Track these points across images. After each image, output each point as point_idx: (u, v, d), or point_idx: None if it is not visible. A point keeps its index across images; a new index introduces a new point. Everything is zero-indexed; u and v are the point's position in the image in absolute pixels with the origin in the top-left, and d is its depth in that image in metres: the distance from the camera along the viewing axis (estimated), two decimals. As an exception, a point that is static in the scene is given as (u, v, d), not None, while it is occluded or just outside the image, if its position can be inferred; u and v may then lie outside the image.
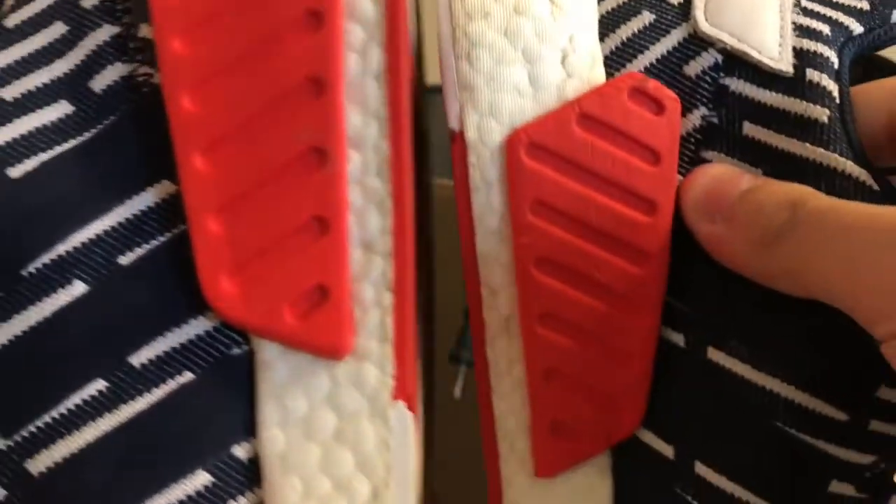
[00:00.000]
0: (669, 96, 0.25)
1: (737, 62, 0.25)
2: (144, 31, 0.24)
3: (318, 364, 0.23)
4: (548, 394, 0.24)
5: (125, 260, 0.23)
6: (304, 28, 0.23)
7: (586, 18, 0.25)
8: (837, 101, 0.24)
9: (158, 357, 0.22)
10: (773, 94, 0.25)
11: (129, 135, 0.23)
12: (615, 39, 0.26)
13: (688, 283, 0.24)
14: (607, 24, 0.26)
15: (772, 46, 0.25)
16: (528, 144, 0.24)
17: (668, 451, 0.24)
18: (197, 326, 0.23)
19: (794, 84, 0.24)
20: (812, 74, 0.24)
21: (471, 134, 0.24)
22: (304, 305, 0.22)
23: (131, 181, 0.23)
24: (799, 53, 0.25)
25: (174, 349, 0.22)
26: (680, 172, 0.25)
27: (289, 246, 0.22)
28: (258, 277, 0.22)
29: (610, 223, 0.24)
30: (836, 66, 0.25)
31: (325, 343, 0.22)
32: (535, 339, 0.24)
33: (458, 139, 0.25)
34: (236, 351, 0.23)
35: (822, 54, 0.25)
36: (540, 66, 0.24)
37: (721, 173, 0.24)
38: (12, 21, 0.24)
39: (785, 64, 0.25)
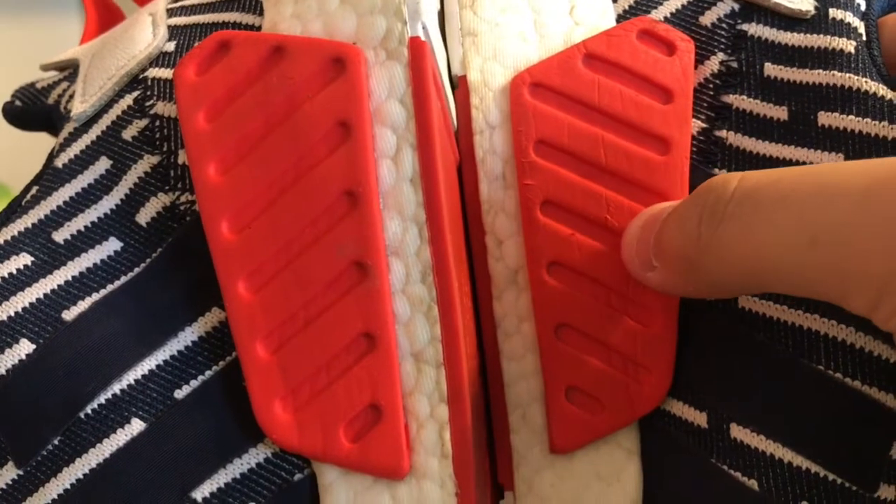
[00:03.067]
0: (681, 37, 0.24)
1: (754, 8, 0.25)
2: (183, 157, 0.24)
3: (379, 485, 0.22)
4: (561, 354, 0.23)
5: (181, 394, 0.23)
6: (334, 141, 0.22)
7: None
8: (864, 37, 0.23)
9: (221, 490, 0.22)
10: (795, 34, 0.24)
11: (176, 265, 0.23)
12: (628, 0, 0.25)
13: None
14: None
15: None
16: (532, 84, 0.24)
17: (700, 419, 0.22)
18: (256, 455, 0.22)
19: (817, 23, 0.24)
20: (835, 13, 0.24)
21: (473, 76, 0.24)
22: (358, 426, 0.22)
23: (181, 312, 0.23)
24: None
25: (236, 480, 0.22)
26: (698, 118, 0.24)
27: (338, 366, 0.22)
28: (310, 402, 0.22)
29: (621, 162, 0.23)
30: (862, 6, 0.24)
31: (383, 464, 0.22)
32: (544, 291, 0.23)
33: (461, 84, 0.24)
34: (298, 476, 0.22)
35: None
36: (546, 15, 0.24)
37: (644, 221, 0.22)
38: (62, 160, 0.25)
39: (805, 4, 0.24)
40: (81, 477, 0.22)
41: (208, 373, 0.23)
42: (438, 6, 0.25)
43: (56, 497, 0.22)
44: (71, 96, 0.27)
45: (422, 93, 0.22)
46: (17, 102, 0.29)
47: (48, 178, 0.25)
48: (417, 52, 0.22)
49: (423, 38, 0.22)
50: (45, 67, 0.30)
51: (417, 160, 0.22)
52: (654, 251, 0.21)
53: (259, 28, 0.25)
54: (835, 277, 0.18)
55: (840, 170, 0.18)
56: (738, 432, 0.22)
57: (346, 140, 0.22)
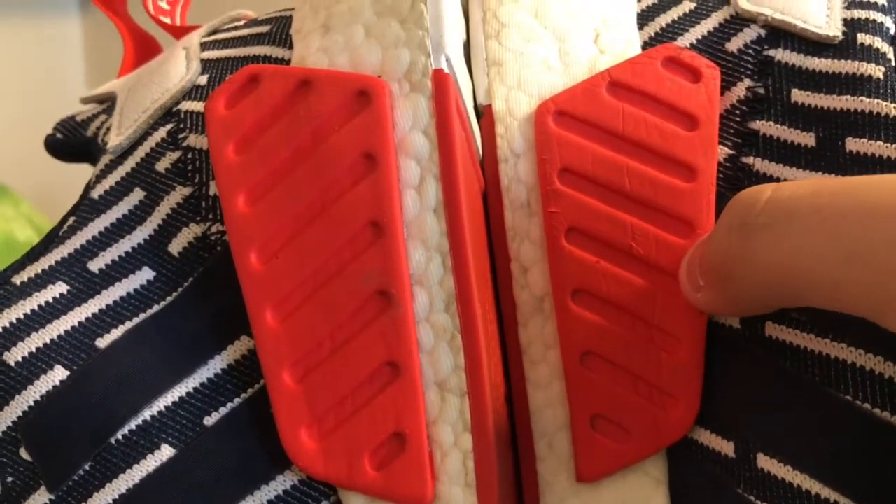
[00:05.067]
0: (706, 64, 0.24)
1: (781, 34, 0.25)
2: (214, 188, 0.25)
3: (404, 513, 0.22)
4: (587, 382, 0.23)
5: (210, 421, 0.23)
6: (359, 172, 0.22)
7: (624, 3, 0.26)
8: (893, 62, 0.23)
9: None
10: (822, 59, 0.24)
11: (206, 294, 0.24)
12: (654, 27, 0.26)
13: None
14: (646, 16, 0.26)
15: (818, 16, 0.25)
16: (556, 112, 0.24)
17: (728, 448, 0.22)
18: (283, 482, 0.23)
19: (845, 48, 0.24)
20: (864, 38, 0.24)
21: (499, 105, 0.24)
22: (382, 455, 0.22)
23: (211, 340, 0.24)
24: (849, 23, 0.24)
25: None
26: (725, 144, 0.24)
27: (363, 394, 0.22)
28: (336, 430, 0.22)
29: (646, 190, 0.23)
30: (892, 31, 0.24)
31: (407, 492, 0.22)
32: (569, 319, 0.23)
33: (486, 113, 0.24)
34: (324, 503, 0.23)
35: (875, 20, 0.24)
36: (570, 43, 0.25)
37: (697, 243, 0.22)
38: (97, 191, 0.26)
39: (833, 30, 0.24)
40: (111, 502, 0.22)
41: (237, 400, 0.23)
42: (464, 36, 0.25)
43: None
44: (108, 129, 0.28)
45: (445, 124, 0.22)
46: (59, 135, 0.30)
47: (85, 209, 0.26)
48: (441, 84, 0.23)
49: (446, 70, 0.23)
50: (85, 100, 0.31)
51: (441, 190, 0.22)
52: (699, 270, 0.21)
53: (288, 61, 0.26)
54: (871, 295, 0.17)
55: (880, 184, 0.18)
56: (765, 462, 0.22)
57: (371, 171, 0.22)
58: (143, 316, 0.24)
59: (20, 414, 0.23)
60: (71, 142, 0.30)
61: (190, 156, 0.25)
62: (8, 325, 0.24)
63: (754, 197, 0.19)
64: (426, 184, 0.23)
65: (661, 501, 0.23)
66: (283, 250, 0.23)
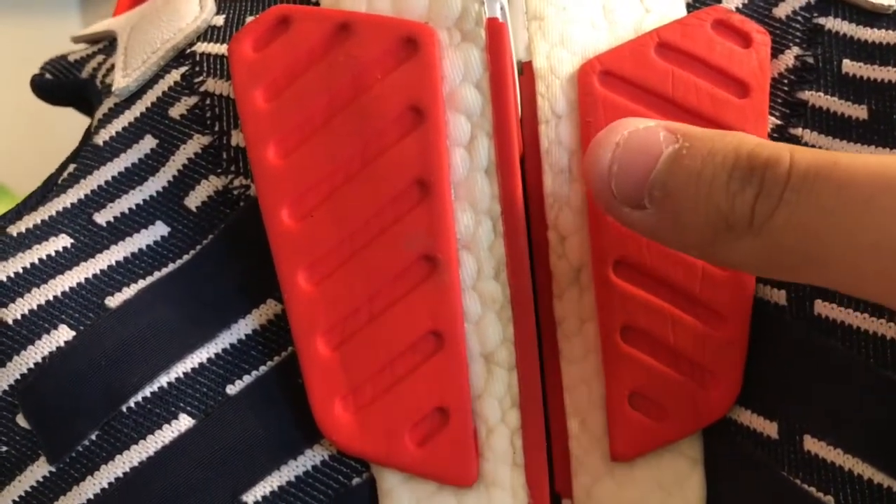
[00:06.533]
0: (757, 29, 0.23)
1: (831, 2, 0.24)
2: (237, 138, 0.23)
3: (444, 491, 0.21)
4: (625, 358, 0.22)
5: (233, 389, 0.21)
6: (405, 127, 0.21)
7: None
8: None
9: (274, 493, 0.21)
10: (875, 30, 0.23)
11: (229, 254, 0.22)
12: None
13: None
14: None
15: None
16: (602, 72, 0.22)
17: (771, 429, 0.21)
18: (313, 457, 0.21)
19: None
20: None
21: (540, 63, 0.23)
22: (423, 430, 0.21)
23: (234, 304, 0.22)
24: None
25: (290, 483, 0.21)
26: (773, 114, 0.23)
27: (403, 365, 0.21)
28: (374, 402, 0.21)
29: None
30: None
31: (449, 470, 0.20)
32: (608, 291, 0.22)
33: (526, 70, 0.23)
34: (357, 480, 0.21)
35: None
36: (615, 1, 0.23)
37: (629, 136, 0.19)
38: (102, 137, 0.24)
39: None
40: (121, 475, 0.21)
41: (263, 368, 0.21)
42: None
43: (92, 497, 0.21)
44: (109, 70, 0.26)
45: (501, 79, 0.21)
46: (48, 75, 0.28)
47: (87, 155, 0.23)
48: (496, 34, 0.21)
49: (501, 20, 0.21)
50: (77, 39, 0.28)
51: (494, 150, 0.21)
52: (652, 192, 0.19)
53: (317, 3, 0.24)
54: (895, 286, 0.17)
55: None
56: (812, 444, 0.21)
57: (417, 126, 0.21)
58: (157, 274, 0.22)
59: (18, 377, 0.21)
60: (62, 83, 0.27)
61: (208, 102, 0.23)
62: (5, 279, 0.22)
63: (776, 164, 0.18)
64: (477, 142, 0.21)
65: (697, 482, 0.22)
66: (318, 208, 0.21)
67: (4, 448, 0.21)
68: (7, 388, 0.21)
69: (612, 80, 0.23)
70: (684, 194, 0.18)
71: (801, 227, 0.17)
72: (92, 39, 0.28)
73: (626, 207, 0.19)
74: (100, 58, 0.27)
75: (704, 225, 0.18)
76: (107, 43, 0.27)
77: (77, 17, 0.74)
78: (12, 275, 0.22)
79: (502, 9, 0.21)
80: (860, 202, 0.16)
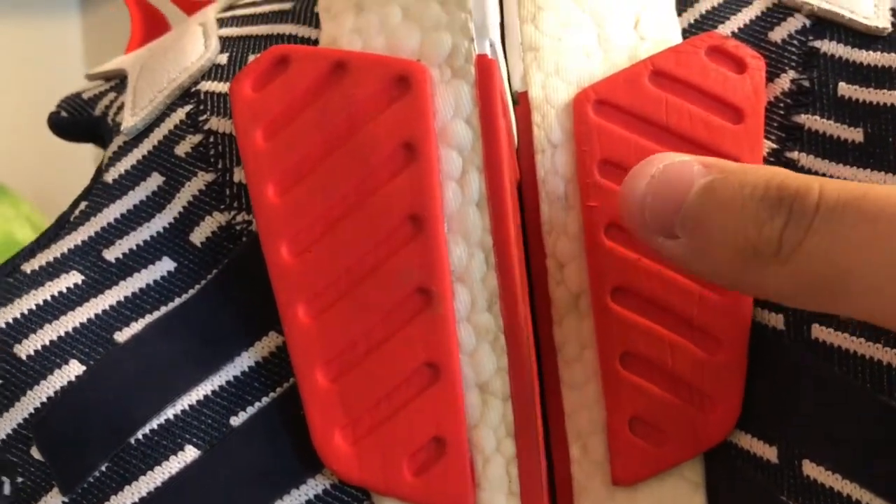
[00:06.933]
0: (751, 54, 0.23)
1: (826, 25, 0.24)
2: (239, 175, 0.23)
3: (442, 520, 0.21)
4: (625, 384, 0.22)
5: (237, 421, 0.22)
6: (398, 163, 0.21)
7: None
8: None
9: None
10: (871, 53, 0.23)
11: (232, 287, 0.23)
12: (694, 13, 0.25)
13: None
14: (685, 1, 0.25)
15: (865, 6, 0.24)
16: (596, 101, 0.23)
17: (770, 453, 0.21)
18: (315, 486, 0.22)
19: (895, 41, 0.23)
20: None
21: (535, 93, 0.23)
22: (421, 460, 0.21)
23: (238, 336, 0.22)
24: None
25: None
26: (769, 138, 0.23)
27: (400, 396, 0.21)
28: (372, 433, 0.21)
29: None
30: None
31: (447, 499, 0.21)
32: (608, 318, 0.22)
33: (522, 100, 0.23)
34: None
35: None
36: (610, 28, 0.24)
37: (664, 169, 0.20)
38: (111, 175, 0.24)
39: (882, 21, 0.23)
40: None
41: (265, 399, 0.22)
42: (499, 19, 0.24)
43: None
44: (119, 108, 0.26)
45: (490, 114, 0.21)
46: (63, 113, 0.28)
47: (98, 193, 0.24)
48: (485, 70, 0.21)
49: (490, 56, 0.22)
50: (91, 77, 0.29)
51: (484, 183, 0.21)
52: (684, 221, 0.19)
53: (316, 42, 0.24)
54: None
55: None
56: (811, 469, 0.21)
57: (410, 162, 0.21)
58: (164, 309, 0.23)
59: (32, 411, 0.22)
60: (77, 120, 0.28)
61: (212, 140, 0.24)
62: (19, 315, 0.23)
63: (805, 193, 0.18)
64: (469, 176, 0.21)
65: None
66: (316, 244, 0.22)
67: (20, 479, 0.22)
68: (21, 422, 0.22)
69: (607, 109, 0.23)
70: (715, 223, 0.19)
71: (827, 257, 0.17)
72: (105, 77, 0.29)
73: (659, 236, 0.20)
74: (111, 95, 0.28)
75: (734, 253, 0.19)
76: (118, 81, 0.28)
77: (77, 17, 0.75)
78: (26, 311, 0.23)
79: (492, 45, 0.22)
80: (888, 235, 0.17)
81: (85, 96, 0.28)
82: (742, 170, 0.19)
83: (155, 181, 0.24)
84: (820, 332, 0.21)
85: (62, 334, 0.22)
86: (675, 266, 0.21)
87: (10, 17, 0.72)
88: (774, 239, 0.18)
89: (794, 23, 0.24)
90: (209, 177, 0.24)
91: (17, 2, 0.72)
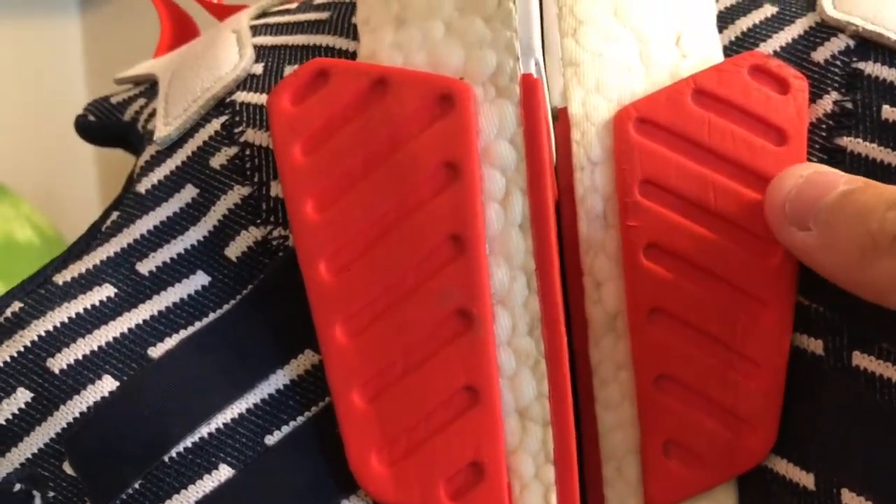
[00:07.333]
0: (795, 74, 0.23)
1: (871, 46, 0.24)
2: (276, 189, 0.23)
3: (478, 545, 0.21)
4: (660, 406, 0.22)
5: (272, 440, 0.22)
6: (440, 183, 0.21)
7: (704, 3, 0.24)
8: None
9: None
10: None
11: (267, 304, 0.22)
12: (735, 30, 0.25)
13: (824, 278, 0.21)
14: (726, 18, 0.25)
15: None
16: (638, 119, 0.22)
17: (807, 480, 0.21)
18: None
19: None
20: None
21: (575, 109, 0.23)
22: (458, 484, 0.21)
23: (273, 354, 0.22)
24: None
25: None
26: (811, 160, 0.23)
27: (438, 419, 0.21)
28: (409, 456, 0.21)
29: (732, 206, 0.22)
30: None
31: (484, 525, 0.21)
32: (644, 339, 0.22)
33: (561, 116, 0.23)
34: None
35: None
36: (651, 44, 0.23)
37: (813, 174, 0.21)
38: (144, 185, 0.24)
39: None
40: None
41: (300, 419, 0.22)
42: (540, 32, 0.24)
43: None
44: (150, 115, 0.26)
45: (534, 134, 0.21)
46: (91, 117, 0.28)
47: (129, 203, 0.24)
48: (530, 90, 0.21)
49: (535, 76, 0.21)
50: (120, 81, 0.29)
51: (528, 205, 0.21)
52: (819, 215, 0.20)
53: (354, 54, 0.24)
54: None
55: None
56: (849, 499, 0.21)
57: (452, 182, 0.21)
58: (198, 325, 0.22)
59: (64, 426, 0.22)
60: (105, 125, 0.28)
61: (248, 153, 0.23)
62: (52, 328, 0.22)
63: None
64: (512, 197, 0.21)
65: None
66: (355, 262, 0.21)
67: (52, 493, 0.22)
68: (54, 436, 0.22)
69: (648, 128, 0.23)
70: (844, 219, 0.20)
71: None
72: (134, 81, 0.28)
73: (793, 227, 0.21)
74: (141, 101, 0.27)
75: (854, 246, 0.20)
76: (148, 86, 0.28)
77: (77, 17, 0.75)
78: (59, 324, 0.22)
79: (537, 64, 0.21)
80: None
81: (113, 100, 0.28)
82: (881, 185, 0.20)
83: (189, 193, 0.24)
84: (861, 359, 0.21)
85: (95, 349, 0.22)
86: (801, 256, 0.21)
87: (10, 17, 0.72)
88: (892, 232, 0.19)
89: (838, 43, 0.24)
90: (245, 190, 0.23)
91: (17, 2, 0.72)
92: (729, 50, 0.24)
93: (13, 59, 0.71)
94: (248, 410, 0.22)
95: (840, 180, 0.21)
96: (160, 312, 0.23)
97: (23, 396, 0.22)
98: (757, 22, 0.25)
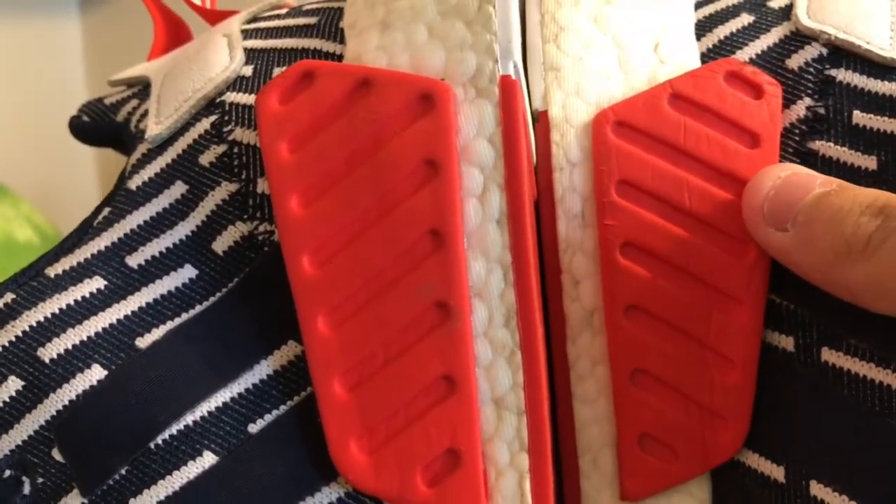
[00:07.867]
0: (768, 80, 0.24)
1: (843, 54, 0.24)
2: (262, 186, 0.24)
3: (454, 531, 0.21)
4: (635, 400, 0.22)
5: (255, 428, 0.22)
6: (420, 179, 0.22)
7: (683, 11, 0.25)
8: None
9: None
10: (887, 83, 0.24)
11: (252, 296, 0.23)
12: (712, 38, 0.25)
13: (795, 276, 0.22)
14: (704, 26, 0.26)
15: (882, 37, 0.24)
16: (616, 122, 0.23)
17: (777, 473, 0.22)
18: (329, 494, 0.22)
19: None
20: None
21: (555, 112, 0.23)
22: (435, 471, 0.21)
23: (258, 344, 0.23)
24: None
25: None
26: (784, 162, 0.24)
27: (416, 408, 0.22)
28: (387, 443, 0.21)
29: (706, 206, 0.23)
30: None
31: (460, 511, 0.21)
32: (620, 335, 0.23)
33: (542, 119, 0.24)
34: None
35: None
36: (630, 51, 0.24)
37: (791, 175, 0.22)
38: (135, 182, 0.25)
39: None
40: None
41: (283, 407, 0.22)
42: (521, 37, 0.25)
43: None
44: (143, 115, 0.27)
45: (512, 134, 0.22)
46: (85, 118, 0.29)
47: (121, 199, 0.25)
48: (509, 91, 0.22)
49: (514, 77, 0.22)
50: (114, 83, 0.30)
51: (505, 201, 0.22)
52: (796, 217, 0.21)
53: (341, 57, 0.25)
54: None
55: None
56: (818, 490, 0.21)
57: (432, 179, 0.22)
58: (185, 316, 0.23)
59: (54, 413, 0.22)
60: (99, 126, 0.29)
61: (236, 150, 0.24)
62: (42, 319, 0.23)
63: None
64: (489, 193, 0.22)
65: None
66: (337, 256, 0.22)
67: (41, 479, 0.23)
68: (44, 424, 0.23)
69: (626, 130, 0.23)
70: (821, 221, 0.21)
71: None
72: (128, 83, 0.29)
73: (770, 228, 0.22)
74: (134, 102, 0.28)
75: (829, 248, 0.20)
76: (141, 87, 0.28)
77: (77, 17, 0.75)
78: (49, 315, 0.23)
79: (515, 66, 0.22)
80: None
81: (107, 102, 0.29)
82: (856, 188, 0.21)
83: (178, 189, 0.24)
84: (830, 355, 0.22)
85: (85, 339, 0.23)
86: (778, 256, 0.22)
87: (10, 17, 0.72)
88: (864, 237, 0.20)
89: (812, 51, 0.25)
90: (233, 187, 0.24)
91: (17, 2, 0.73)
92: (706, 57, 0.25)
93: (13, 59, 0.72)
94: (232, 399, 0.22)
95: (815, 182, 0.22)
96: (148, 304, 0.23)
97: (14, 385, 0.23)
98: (734, 30, 0.25)
